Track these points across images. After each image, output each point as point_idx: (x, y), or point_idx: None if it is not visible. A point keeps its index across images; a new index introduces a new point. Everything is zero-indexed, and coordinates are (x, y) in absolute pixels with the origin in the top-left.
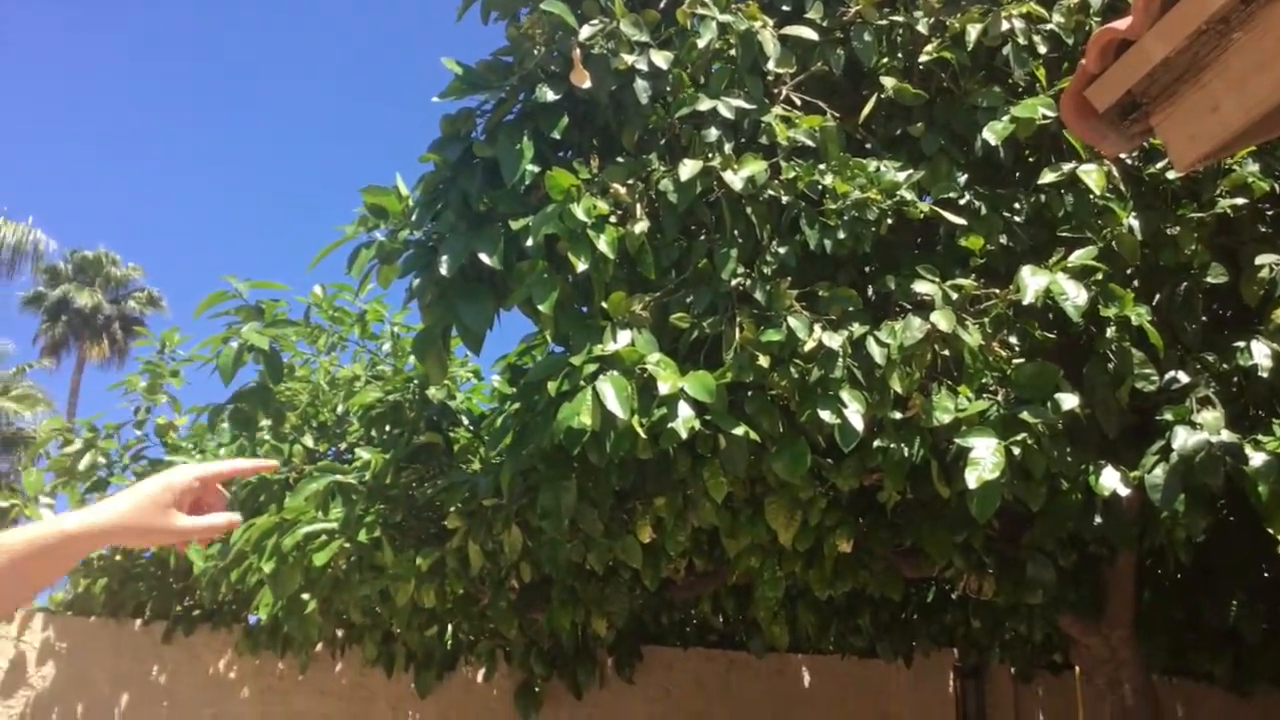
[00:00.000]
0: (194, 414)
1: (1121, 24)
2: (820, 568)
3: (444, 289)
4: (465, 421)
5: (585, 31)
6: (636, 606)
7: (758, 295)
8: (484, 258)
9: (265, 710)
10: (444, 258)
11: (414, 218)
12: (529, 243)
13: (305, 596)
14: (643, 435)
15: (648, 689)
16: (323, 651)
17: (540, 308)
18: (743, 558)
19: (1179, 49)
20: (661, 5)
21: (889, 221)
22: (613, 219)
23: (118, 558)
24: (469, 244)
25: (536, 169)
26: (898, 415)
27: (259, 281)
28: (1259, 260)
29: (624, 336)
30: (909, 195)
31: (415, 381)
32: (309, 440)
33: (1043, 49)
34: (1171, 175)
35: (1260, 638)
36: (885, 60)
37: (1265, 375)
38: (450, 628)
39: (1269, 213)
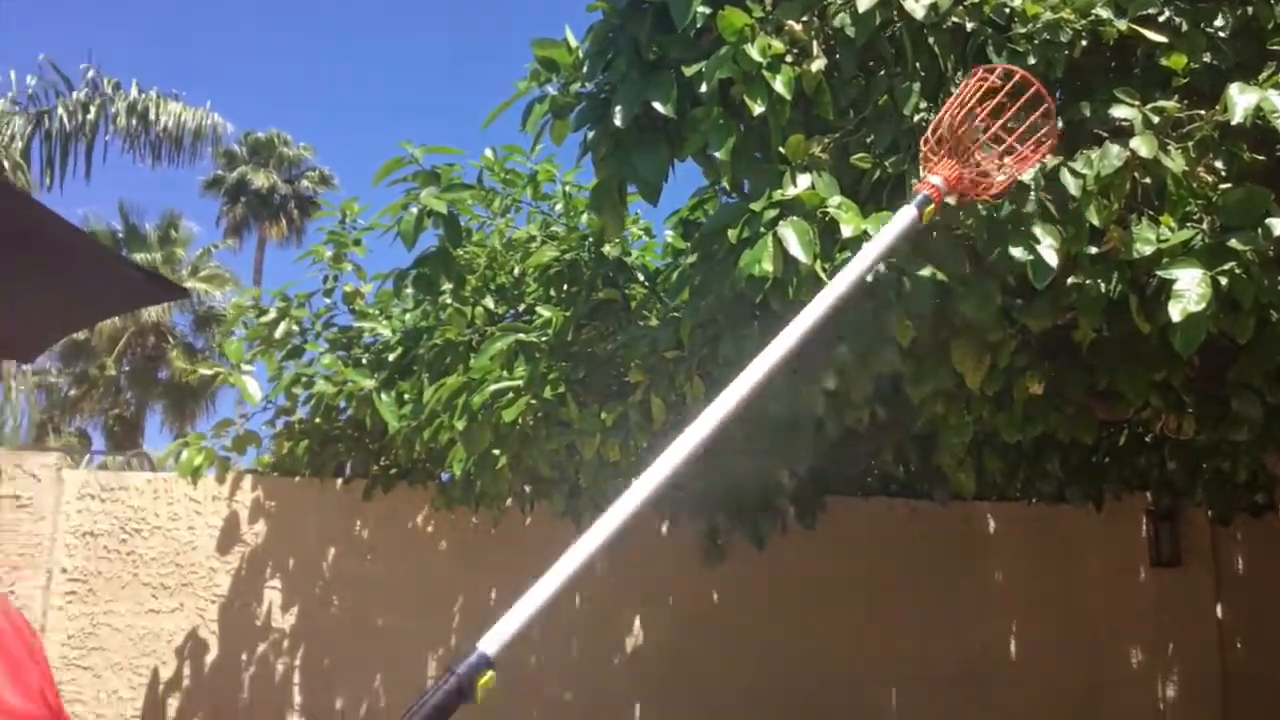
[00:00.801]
0: (378, 280)
1: None
2: (1009, 412)
3: (618, 141)
4: (640, 277)
5: None
6: (819, 456)
7: None
8: (657, 106)
9: (462, 563)
10: (617, 109)
11: (584, 69)
12: (703, 89)
13: (495, 452)
14: (825, 280)
15: (830, 538)
16: (513, 506)
17: (717, 155)
18: (928, 404)
19: None
20: None
21: (1083, 43)
22: (788, 58)
23: (317, 420)
24: (641, 93)
25: (708, 10)
26: (1094, 250)
27: (433, 147)
28: None
29: (803, 180)
30: (1104, 14)
31: (590, 239)
32: (489, 302)
33: None
34: None
35: None
36: None
37: None
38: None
39: None
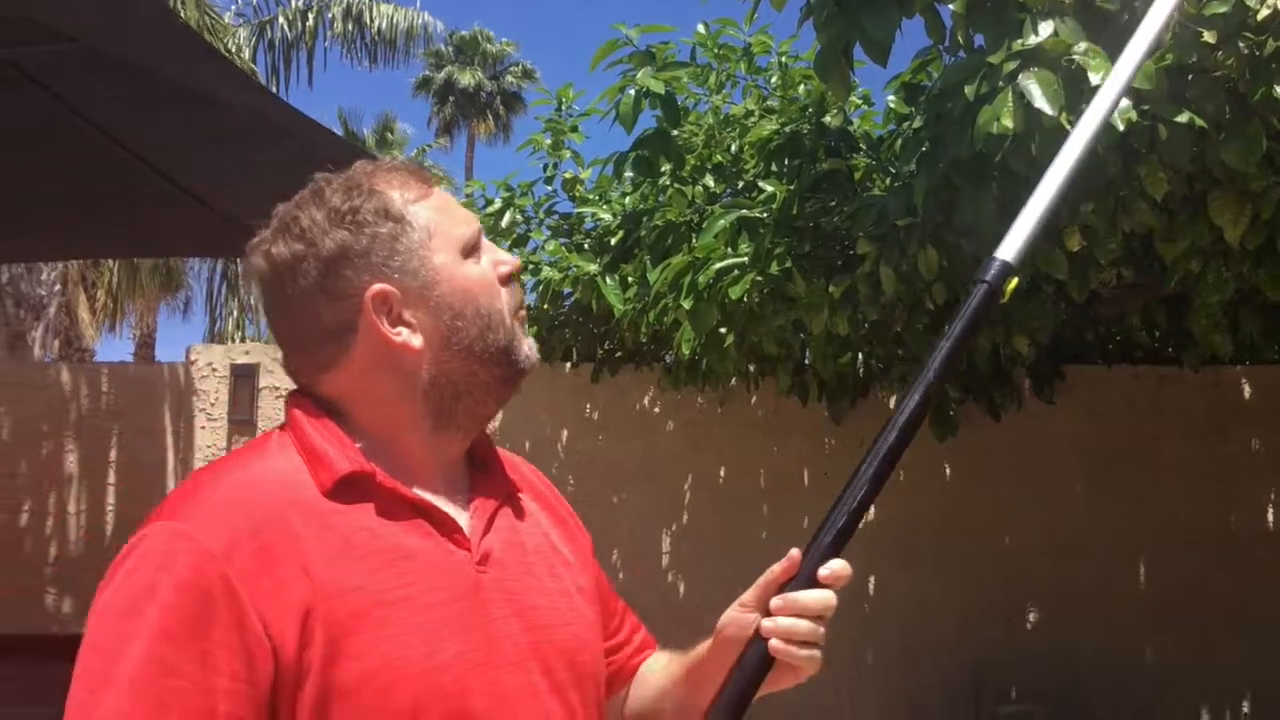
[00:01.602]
0: (597, 165)
1: None
2: (1272, 266)
3: (843, 2)
4: (863, 147)
5: None
6: (1060, 323)
7: None
8: None
9: (689, 441)
10: None
11: None
12: None
13: (722, 331)
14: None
15: (1070, 409)
16: (738, 385)
17: (950, 7)
18: (1181, 262)
19: None
20: None
21: None
22: None
23: (544, 306)
24: None
25: None
26: None
27: (648, 26)
28: None
29: (1045, 28)
30: None
31: (809, 110)
32: (709, 181)
33: None
34: None
35: None
36: None
37: None
38: (862, 355)
39: None
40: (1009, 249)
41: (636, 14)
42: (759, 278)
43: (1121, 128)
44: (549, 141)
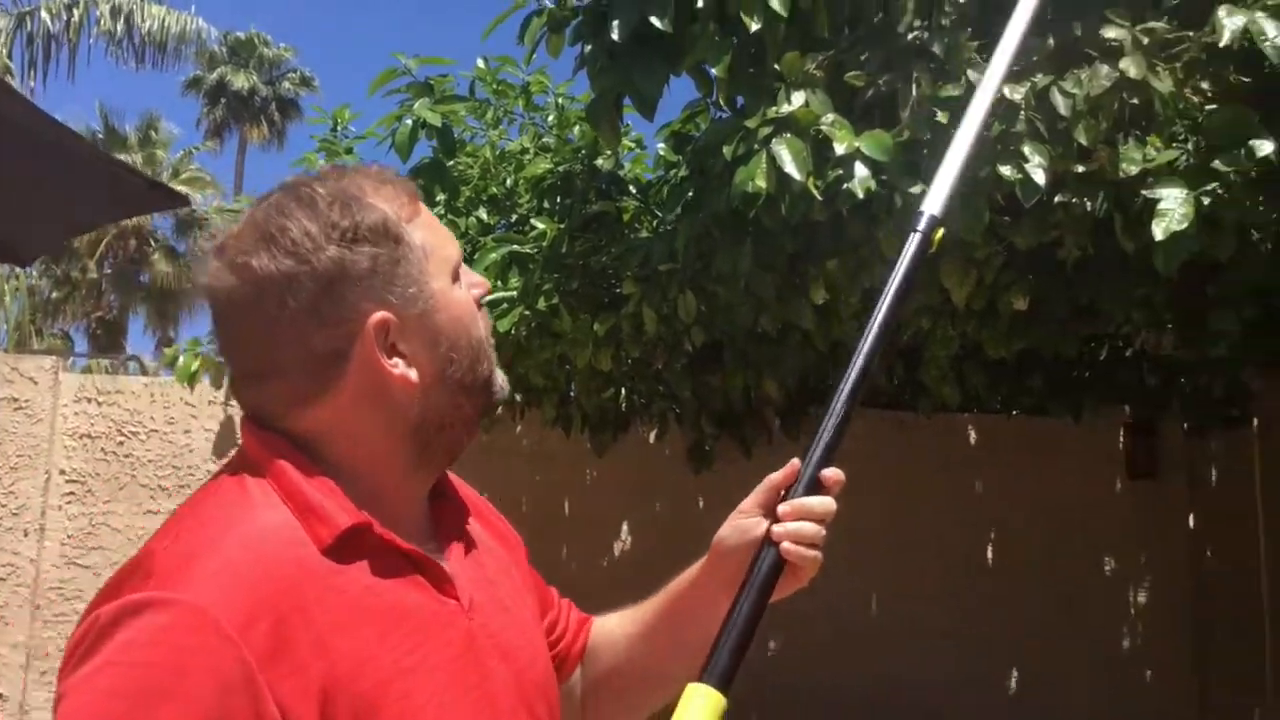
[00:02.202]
0: None
1: None
2: (994, 327)
3: (615, 55)
4: (633, 190)
5: None
6: (806, 368)
7: (935, 49)
8: (654, 21)
9: (453, 467)
10: (614, 22)
11: None
12: (699, 3)
13: None
14: (818, 197)
15: None
16: (503, 414)
17: (713, 71)
18: (914, 319)
19: None
20: None
21: None
22: None
23: None
24: (639, 7)
25: None
26: (1081, 168)
27: (427, 57)
28: None
29: (798, 97)
30: None
31: (582, 151)
32: (483, 213)
33: None
34: None
35: None
36: None
37: None
38: (624, 390)
39: None
40: (934, 203)
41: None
42: (527, 312)
43: (861, 194)
44: (323, 162)
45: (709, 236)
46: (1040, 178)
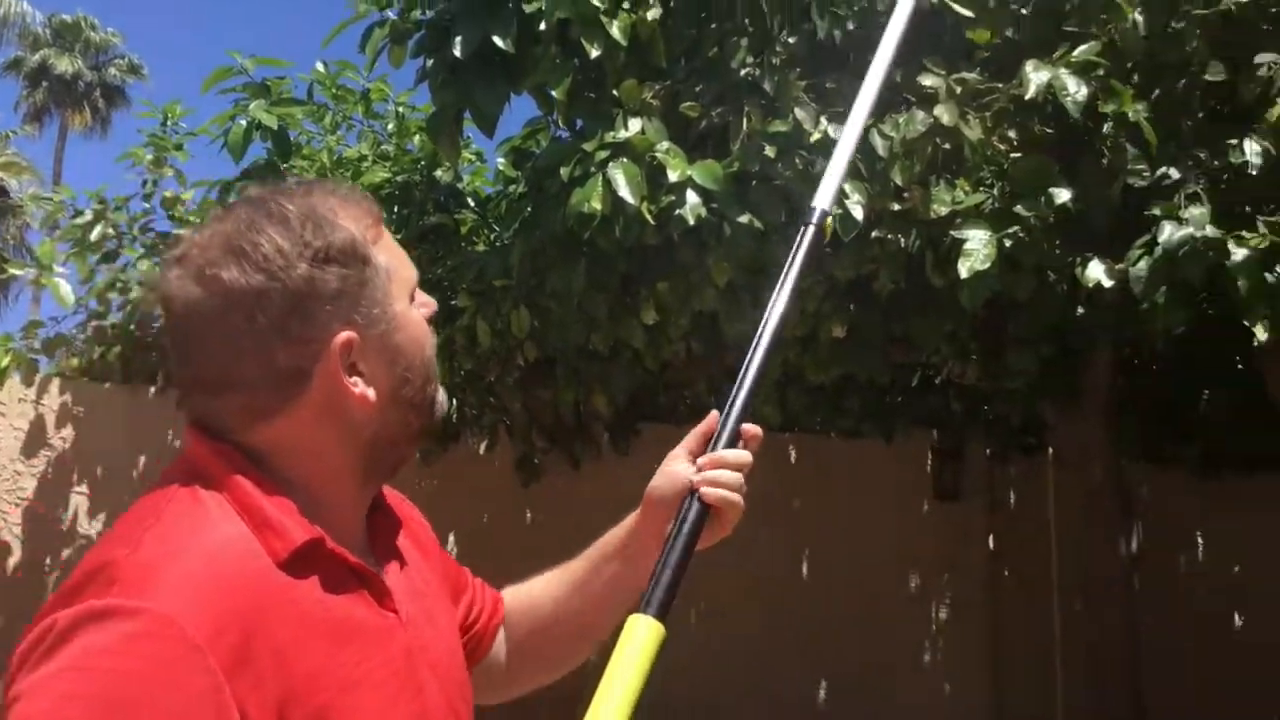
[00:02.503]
0: (200, 188)
1: None
2: (814, 353)
3: (457, 71)
4: (471, 203)
5: None
6: (636, 386)
7: (766, 85)
8: (497, 40)
9: None
10: (457, 39)
11: None
12: (542, 27)
13: None
14: (651, 221)
15: (643, 462)
16: None
17: (553, 93)
18: (740, 341)
19: None
20: None
21: None
22: (625, 5)
23: (131, 327)
24: (482, 26)
25: None
26: (896, 207)
27: (264, 58)
28: (1259, 59)
29: (635, 124)
30: None
31: (422, 162)
32: None
33: None
34: None
35: (1229, 425)
36: None
37: (1255, 172)
38: (456, 402)
39: (1274, 10)
40: (823, 198)
41: (257, 28)
42: None
43: (692, 221)
44: (150, 157)
45: (544, 254)
46: (859, 214)
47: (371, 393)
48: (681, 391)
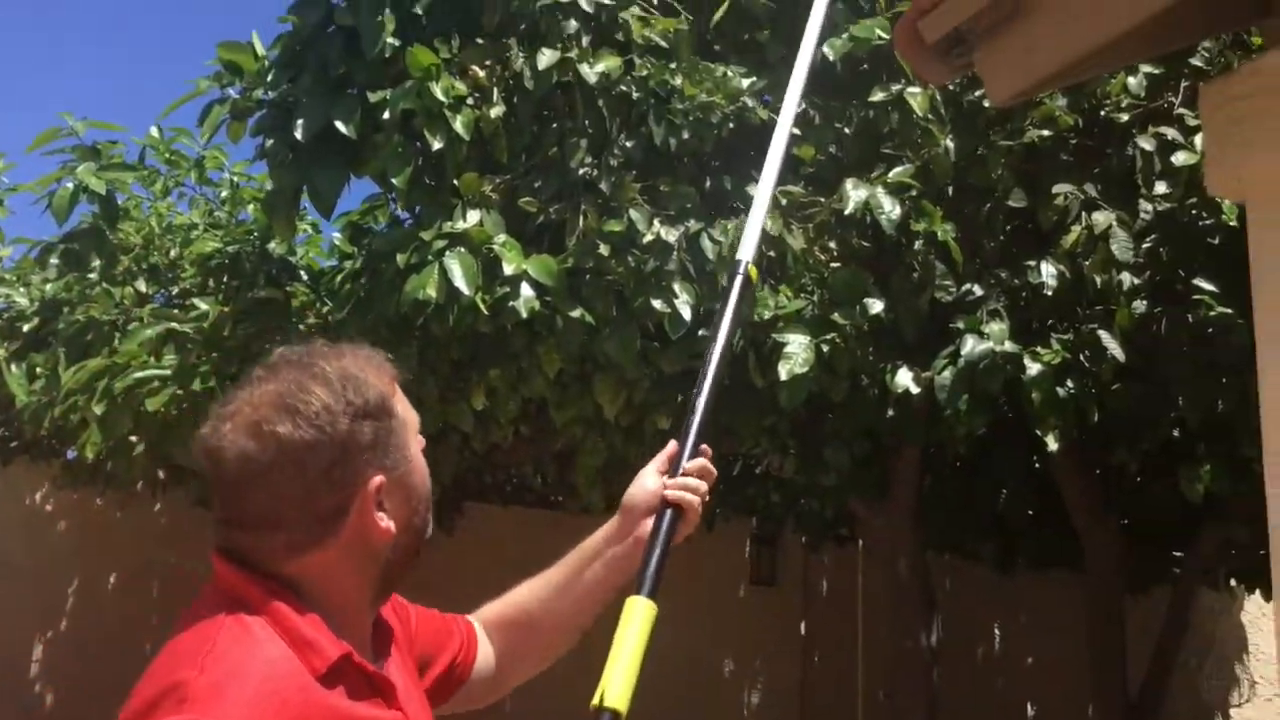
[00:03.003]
0: (20, 245)
1: None
2: (639, 441)
3: (297, 152)
4: (304, 277)
5: None
6: (463, 467)
7: (603, 185)
8: (340, 125)
9: (82, 544)
10: (300, 121)
11: (269, 78)
12: (385, 115)
13: (133, 439)
14: (485, 311)
15: (468, 541)
16: (143, 490)
17: (394, 180)
18: (568, 428)
19: None
20: None
21: (730, 125)
22: (470, 100)
23: None
24: (326, 110)
25: (397, 43)
26: None
27: (96, 121)
28: (1056, 188)
29: (473, 216)
30: (751, 102)
31: (255, 234)
32: (141, 284)
33: None
34: (988, 104)
35: (1025, 523)
36: None
37: (1049, 293)
38: None
39: (1073, 143)
40: (747, 250)
41: (91, 90)
42: (180, 391)
43: (525, 314)
44: None
45: (376, 336)
46: (687, 313)
47: (392, 525)
48: (509, 472)
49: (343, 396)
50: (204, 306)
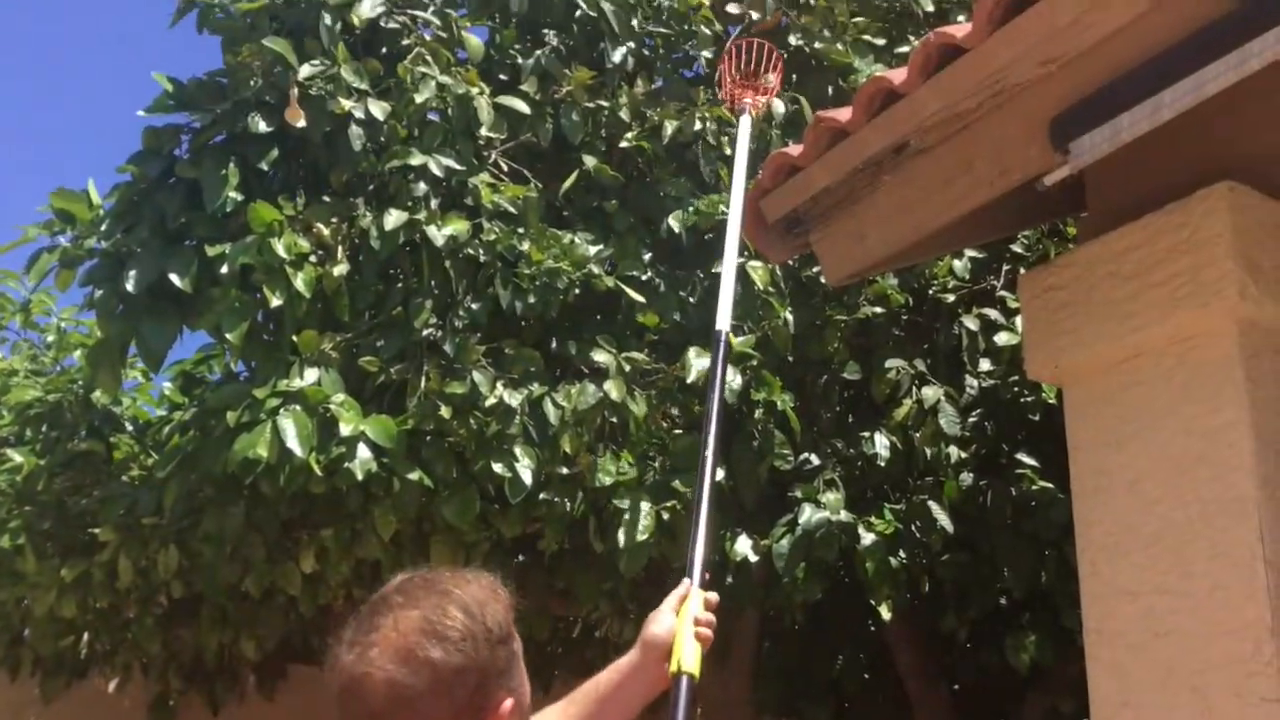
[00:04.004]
0: None
1: (794, 150)
2: None
3: (128, 304)
4: (129, 428)
5: (305, 70)
6: (289, 630)
7: (447, 347)
8: (174, 279)
9: None
10: (132, 273)
11: (104, 228)
12: (224, 270)
13: None
14: (318, 472)
15: (290, 706)
16: None
17: (229, 336)
18: None
19: (839, 181)
20: (384, 52)
21: (577, 291)
22: (312, 258)
23: None
24: (160, 263)
25: (240, 197)
26: (564, 471)
27: None
28: (888, 363)
29: (311, 374)
30: (597, 269)
31: (78, 383)
32: None
33: (729, 150)
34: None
35: (859, 688)
36: (589, 139)
37: (883, 464)
38: (87, 637)
39: (904, 319)
40: (723, 320)
41: None
42: None
43: (361, 476)
44: None
45: (200, 492)
46: (527, 477)
47: None
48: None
49: (482, 623)
50: (18, 458)
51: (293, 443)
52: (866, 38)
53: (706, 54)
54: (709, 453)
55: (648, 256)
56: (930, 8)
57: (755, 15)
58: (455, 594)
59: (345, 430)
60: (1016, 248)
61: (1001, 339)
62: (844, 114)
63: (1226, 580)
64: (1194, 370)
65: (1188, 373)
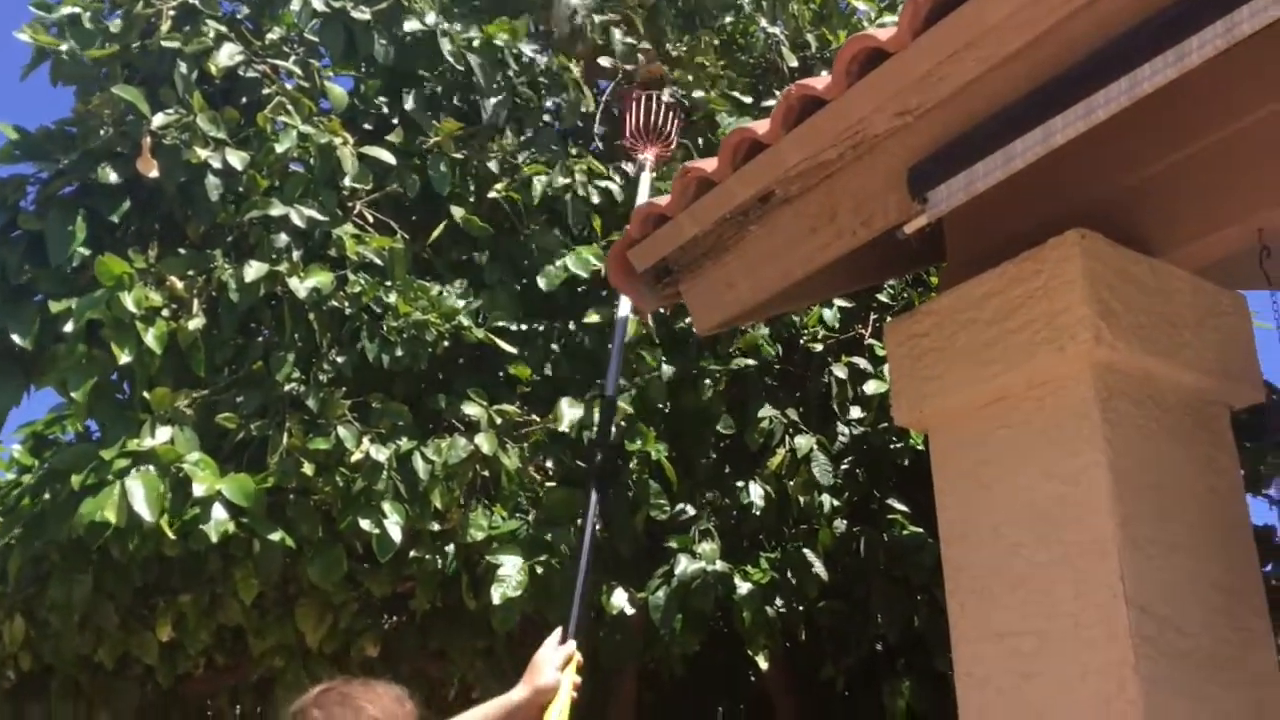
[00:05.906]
0: None
1: (662, 200)
2: (345, 670)
3: None
4: None
5: (158, 120)
6: (146, 703)
7: (310, 402)
8: (15, 337)
9: None
10: None
11: None
12: (69, 326)
13: None
14: (171, 535)
15: None
16: None
17: (74, 395)
18: (267, 656)
19: (706, 230)
20: (243, 102)
21: (446, 343)
22: (165, 312)
23: None
24: (0, 320)
25: (88, 251)
26: (435, 527)
27: None
28: (761, 413)
29: (163, 433)
30: (466, 321)
31: None
32: None
33: (597, 200)
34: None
35: None
36: (457, 190)
37: (758, 513)
38: None
39: (776, 368)
40: (610, 387)
41: None
42: None
43: (216, 539)
44: None
45: (47, 560)
46: (396, 534)
47: None
48: (202, 704)
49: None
50: None
51: (140, 505)
52: (735, 93)
53: (580, 109)
54: (591, 517)
55: (519, 309)
56: (794, 63)
57: (628, 67)
58: (368, 710)
59: (199, 490)
60: (883, 297)
61: (870, 387)
62: (710, 164)
63: (1090, 620)
64: (1053, 414)
65: (1047, 416)
